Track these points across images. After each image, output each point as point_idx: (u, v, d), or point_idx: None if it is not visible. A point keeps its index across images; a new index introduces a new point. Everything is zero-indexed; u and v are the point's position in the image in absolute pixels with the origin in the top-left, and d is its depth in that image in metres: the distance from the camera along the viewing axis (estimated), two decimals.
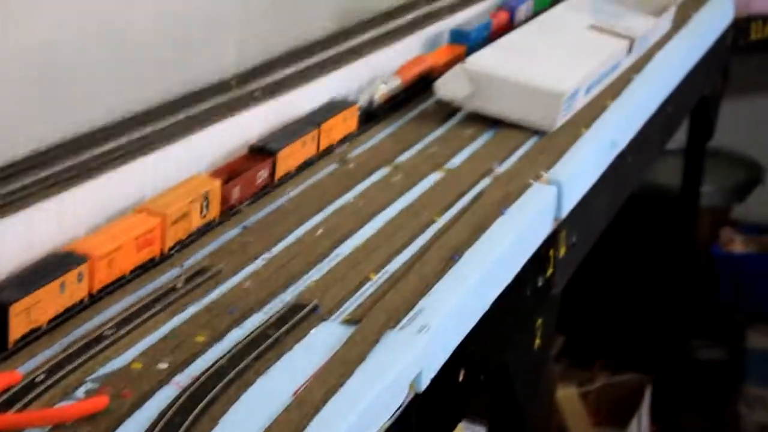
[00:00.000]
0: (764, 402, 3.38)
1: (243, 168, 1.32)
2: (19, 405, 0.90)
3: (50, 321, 1.02)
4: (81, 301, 1.06)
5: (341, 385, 0.97)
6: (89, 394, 0.93)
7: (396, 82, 1.68)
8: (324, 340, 1.04)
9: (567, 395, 2.79)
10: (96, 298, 1.08)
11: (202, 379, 0.96)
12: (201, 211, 1.23)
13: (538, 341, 1.52)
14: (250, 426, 0.91)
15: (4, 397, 0.91)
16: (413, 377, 1.05)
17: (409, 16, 1.94)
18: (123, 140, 1.27)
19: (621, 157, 1.78)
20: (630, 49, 1.95)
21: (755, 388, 3.38)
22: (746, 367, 3.42)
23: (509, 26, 2.05)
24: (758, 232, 3.70)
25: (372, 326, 1.07)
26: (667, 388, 3.15)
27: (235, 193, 1.29)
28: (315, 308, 1.10)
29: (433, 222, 1.32)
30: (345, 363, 1.00)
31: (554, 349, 2.79)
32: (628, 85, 1.89)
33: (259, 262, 1.19)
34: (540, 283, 1.46)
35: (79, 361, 0.98)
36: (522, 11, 2.13)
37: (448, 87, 1.65)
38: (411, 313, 1.10)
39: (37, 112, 1.42)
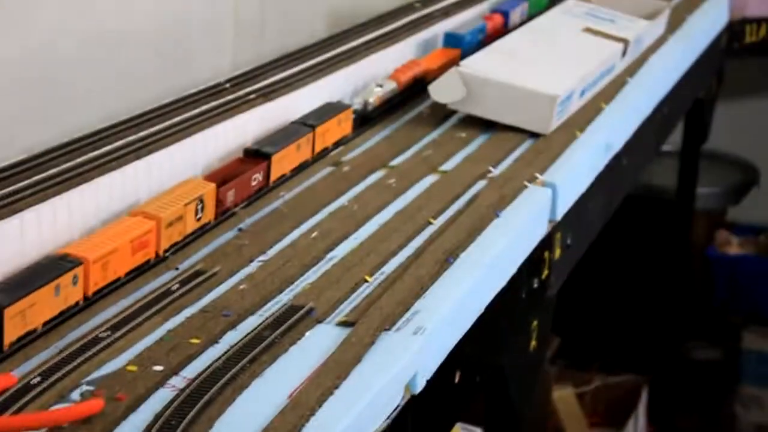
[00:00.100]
0: (760, 402, 3.38)
1: (238, 171, 1.32)
2: (14, 408, 0.91)
3: (45, 324, 1.02)
4: (76, 303, 1.06)
5: (336, 387, 0.97)
6: (84, 396, 0.93)
7: (391, 86, 1.68)
8: (319, 342, 1.05)
9: (563, 396, 2.80)
10: (91, 301, 1.08)
11: (198, 381, 0.96)
12: (196, 214, 1.23)
13: (533, 343, 1.53)
14: (246, 428, 0.91)
15: (0, 399, 0.91)
16: (409, 379, 1.05)
17: (404, 20, 1.95)
18: (118, 143, 1.27)
19: (616, 160, 1.78)
20: (624, 52, 1.95)
21: (751, 389, 3.39)
22: (742, 367, 3.43)
23: (504, 30, 2.05)
24: (753, 234, 3.71)
25: (367, 328, 1.07)
26: (663, 388, 3.16)
27: (230, 196, 1.29)
28: (310, 310, 1.10)
29: (428, 224, 1.32)
30: (340, 365, 1.00)
31: (550, 351, 2.79)
32: (622, 87, 1.89)
33: (254, 265, 1.19)
34: (535, 285, 1.46)
35: (75, 363, 0.98)
36: (516, 14, 2.13)
37: (442, 90, 1.65)
38: (406, 315, 1.10)
39: (32, 115, 1.42)
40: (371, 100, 1.64)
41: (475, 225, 1.32)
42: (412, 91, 1.73)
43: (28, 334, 1.00)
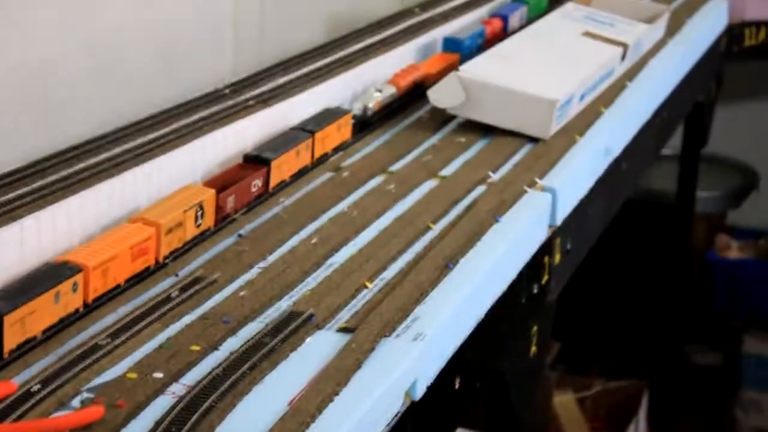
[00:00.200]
0: (760, 406, 3.38)
1: (237, 177, 1.32)
2: (14, 415, 0.90)
3: (45, 331, 1.02)
4: (76, 311, 1.06)
5: (337, 393, 0.97)
6: (84, 404, 0.93)
7: (390, 91, 1.68)
8: (319, 348, 1.04)
9: (564, 402, 2.80)
10: (91, 308, 1.08)
11: (198, 388, 0.96)
12: (196, 221, 1.23)
13: (533, 348, 1.52)
14: None
15: (0, 407, 0.91)
16: (409, 385, 1.05)
17: (403, 25, 1.95)
18: (117, 150, 1.27)
19: (615, 164, 1.78)
20: (624, 56, 1.95)
21: (751, 393, 3.39)
22: (742, 372, 3.43)
23: (503, 34, 2.05)
24: (753, 238, 3.71)
25: (367, 334, 1.07)
26: (663, 393, 3.16)
27: (230, 202, 1.29)
28: (310, 317, 1.10)
29: (427, 230, 1.32)
30: (340, 371, 1.00)
31: (550, 356, 2.79)
32: (622, 91, 1.89)
33: (254, 271, 1.19)
34: (535, 290, 1.46)
35: (74, 371, 0.97)
36: (515, 19, 2.13)
37: (441, 95, 1.65)
38: (406, 321, 1.10)
39: (31, 122, 1.42)
40: (370, 105, 1.63)
41: (474, 230, 1.32)
42: (412, 96, 1.73)
43: (27, 341, 1.00)
